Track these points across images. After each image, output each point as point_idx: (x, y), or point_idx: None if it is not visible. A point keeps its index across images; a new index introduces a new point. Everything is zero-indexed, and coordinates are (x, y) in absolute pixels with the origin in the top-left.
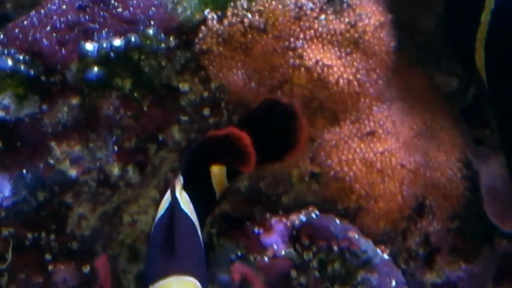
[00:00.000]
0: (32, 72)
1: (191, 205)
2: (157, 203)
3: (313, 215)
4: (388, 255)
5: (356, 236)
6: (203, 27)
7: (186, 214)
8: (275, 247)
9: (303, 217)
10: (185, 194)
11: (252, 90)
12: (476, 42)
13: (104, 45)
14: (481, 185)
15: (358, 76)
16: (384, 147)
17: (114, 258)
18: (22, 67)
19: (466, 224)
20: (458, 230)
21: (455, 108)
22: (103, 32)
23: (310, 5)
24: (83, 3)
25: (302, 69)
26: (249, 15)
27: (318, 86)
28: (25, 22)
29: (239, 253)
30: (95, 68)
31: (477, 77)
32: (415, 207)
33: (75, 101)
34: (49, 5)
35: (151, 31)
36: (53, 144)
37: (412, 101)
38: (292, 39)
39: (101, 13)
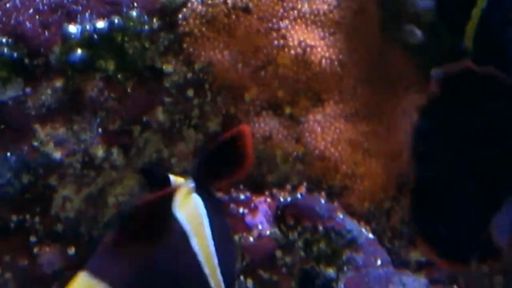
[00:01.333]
0: (15, 54)
1: (200, 210)
2: (142, 184)
3: (298, 195)
4: (373, 234)
5: (341, 216)
6: (186, 9)
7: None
8: (260, 227)
9: (288, 198)
10: (195, 199)
11: (237, 70)
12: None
13: (88, 27)
14: None
15: (341, 56)
16: (368, 127)
17: (98, 239)
18: (5, 50)
19: None
20: None
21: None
22: (86, 14)
23: None
24: None
25: (286, 49)
26: None
27: (302, 67)
28: (8, 5)
29: None
30: (79, 51)
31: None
32: (400, 186)
33: (58, 83)
34: None
35: (134, 13)
36: (37, 126)
37: (396, 81)
38: (275, 20)
39: None
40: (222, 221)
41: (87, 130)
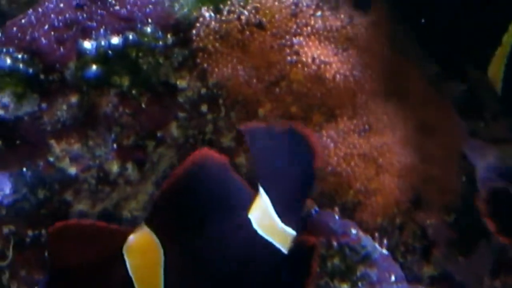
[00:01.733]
0: (31, 70)
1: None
2: None
3: (313, 211)
4: (386, 249)
5: (355, 232)
6: (200, 24)
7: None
8: None
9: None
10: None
11: (250, 86)
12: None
13: (102, 43)
14: (477, 178)
15: (354, 72)
16: (381, 142)
17: None
18: (21, 66)
19: (462, 218)
20: (454, 223)
21: (449, 101)
22: (101, 30)
23: (307, 1)
24: (81, 1)
25: (299, 65)
26: (246, 12)
27: (315, 82)
28: (23, 21)
29: None
30: (94, 66)
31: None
32: (412, 201)
33: (74, 99)
34: (46, 3)
35: (148, 29)
36: (52, 142)
37: (408, 95)
38: (289, 36)
39: (99, 11)
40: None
41: (102, 145)
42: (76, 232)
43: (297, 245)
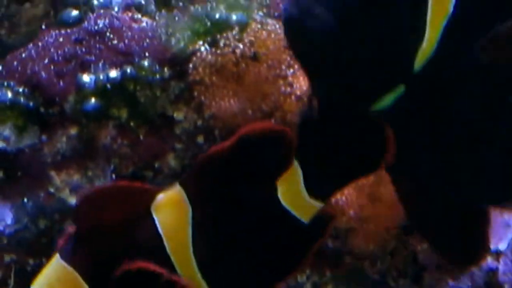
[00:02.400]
0: (31, 103)
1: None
2: None
3: None
4: (378, 273)
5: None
6: (196, 58)
7: None
8: None
9: None
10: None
11: (245, 117)
12: None
13: (101, 76)
14: None
15: None
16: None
17: None
18: (22, 99)
19: None
20: None
21: None
22: (100, 64)
23: None
24: (80, 35)
25: (293, 96)
26: (241, 45)
27: None
28: (24, 54)
29: None
30: (92, 99)
31: None
32: (403, 227)
33: (73, 131)
34: (46, 37)
35: (146, 63)
36: (53, 173)
37: None
38: (283, 67)
39: (97, 45)
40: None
41: (101, 176)
42: (104, 194)
43: (316, 216)
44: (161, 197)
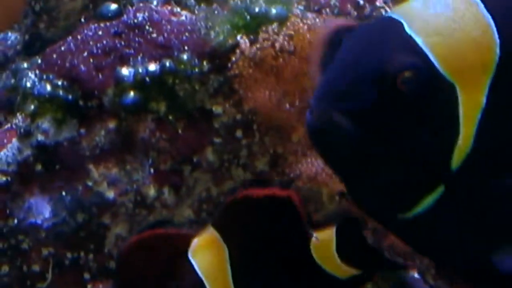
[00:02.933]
0: (70, 97)
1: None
2: (192, 222)
3: None
4: (418, 272)
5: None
6: (235, 52)
7: None
8: None
9: None
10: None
11: (284, 111)
12: None
13: (140, 70)
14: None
15: None
16: None
17: None
18: (61, 92)
19: None
20: None
21: None
22: (139, 57)
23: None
24: (119, 29)
25: None
26: (280, 39)
27: None
28: (63, 48)
29: None
30: (131, 93)
31: None
32: None
33: (112, 125)
34: (85, 30)
35: (185, 56)
36: (91, 166)
37: None
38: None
39: (136, 38)
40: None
41: (139, 170)
42: (142, 245)
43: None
44: (196, 241)
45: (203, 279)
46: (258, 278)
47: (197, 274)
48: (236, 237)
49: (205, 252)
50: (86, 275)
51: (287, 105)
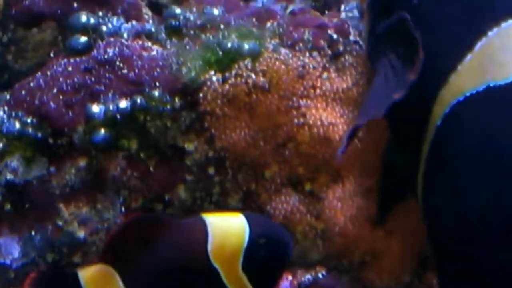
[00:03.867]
0: (39, 134)
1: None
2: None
3: (320, 275)
4: None
5: None
6: (207, 88)
7: None
8: None
9: (309, 276)
10: None
11: (257, 148)
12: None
13: (111, 107)
14: None
15: (360, 133)
16: None
17: None
18: (30, 130)
19: None
20: None
21: None
22: (109, 94)
23: (313, 63)
24: (89, 65)
25: (306, 127)
26: (253, 75)
27: (322, 144)
28: (32, 84)
29: None
30: (102, 130)
31: None
32: (419, 260)
33: (82, 163)
34: (55, 66)
35: (156, 93)
36: (61, 205)
37: None
38: (295, 98)
39: (107, 74)
40: None
41: (110, 208)
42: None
43: None
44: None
45: None
46: None
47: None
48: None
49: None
50: None
51: (261, 142)
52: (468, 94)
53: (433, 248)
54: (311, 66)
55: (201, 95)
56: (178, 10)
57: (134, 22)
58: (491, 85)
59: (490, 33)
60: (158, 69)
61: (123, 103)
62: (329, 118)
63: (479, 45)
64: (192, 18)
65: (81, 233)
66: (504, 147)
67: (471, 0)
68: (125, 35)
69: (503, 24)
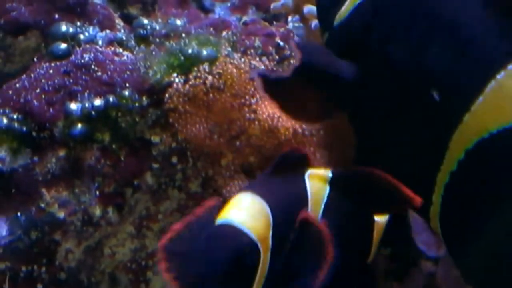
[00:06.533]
0: (24, 129)
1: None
2: (133, 237)
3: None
4: None
5: None
6: (171, 88)
7: None
8: None
9: None
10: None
11: (214, 140)
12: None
13: (86, 105)
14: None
15: (303, 126)
16: None
17: (96, 285)
18: (16, 125)
19: (397, 250)
20: (391, 255)
21: None
22: (85, 93)
23: (262, 67)
24: (68, 68)
25: (256, 122)
26: (210, 77)
27: (270, 136)
28: (18, 85)
29: None
30: (79, 125)
31: None
32: None
33: (62, 153)
34: (38, 69)
35: (126, 92)
36: (43, 190)
37: (348, 146)
38: (247, 97)
39: (83, 76)
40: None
41: (86, 192)
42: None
43: None
44: (312, 171)
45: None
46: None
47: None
48: (340, 189)
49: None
50: (39, 286)
51: (217, 135)
52: (494, 131)
53: None
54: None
55: (165, 94)
56: (146, 21)
57: (107, 31)
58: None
59: (498, 76)
60: (128, 72)
61: (98, 101)
62: (275, 114)
63: (489, 87)
64: (158, 27)
65: (61, 214)
66: None
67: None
68: (100, 43)
69: (510, 67)
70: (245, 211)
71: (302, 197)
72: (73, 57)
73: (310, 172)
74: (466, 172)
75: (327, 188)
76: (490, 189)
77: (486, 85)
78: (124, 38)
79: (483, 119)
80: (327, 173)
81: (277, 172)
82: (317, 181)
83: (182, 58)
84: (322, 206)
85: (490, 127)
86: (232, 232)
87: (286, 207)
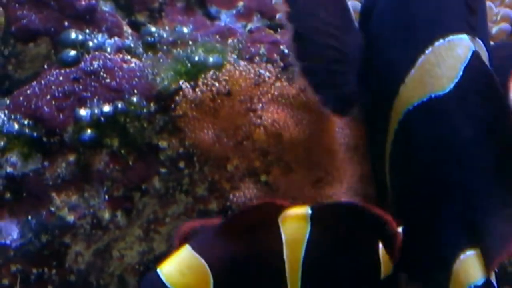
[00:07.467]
0: (35, 134)
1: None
2: (141, 240)
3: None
4: None
5: None
6: (178, 95)
7: None
8: None
9: None
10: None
11: (220, 145)
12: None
13: (96, 111)
14: None
15: (308, 131)
16: (331, 192)
17: (105, 286)
18: (27, 130)
19: None
20: None
21: None
22: (95, 99)
23: (267, 74)
24: (77, 75)
25: (262, 127)
26: (217, 84)
27: (275, 141)
28: (28, 91)
29: None
30: (88, 131)
31: None
32: None
33: (71, 158)
34: (48, 76)
35: (135, 99)
36: (53, 194)
37: (354, 150)
38: (253, 103)
39: (93, 83)
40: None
41: (95, 197)
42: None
43: None
44: (286, 213)
45: (283, 241)
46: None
47: (280, 236)
48: (322, 225)
49: (291, 222)
50: None
51: (224, 140)
52: (416, 104)
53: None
54: (265, 75)
55: (173, 100)
56: (153, 29)
57: (116, 38)
58: (433, 96)
59: (427, 51)
60: (136, 79)
61: (107, 108)
62: (280, 119)
63: (419, 61)
64: (165, 35)
65: (70, 218)
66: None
67: (412, 23)
68: (108, 50)
69: (436, 43)
70: (176, 267)
71: (272, 247)
72: (82, 64)
73: (283, 214)
74: (399, 141)
75: (307, 226)
76: (411, 157)
77: (417, 59)
78: (132, 45)
79: (411, 91)
80: (305, 210)
81: (236, 227)
82: (293, 222)
83: (189, 65)
84: (303, 248)
85: (413, 99)
86: (156, 284)
87: (243, 265)
